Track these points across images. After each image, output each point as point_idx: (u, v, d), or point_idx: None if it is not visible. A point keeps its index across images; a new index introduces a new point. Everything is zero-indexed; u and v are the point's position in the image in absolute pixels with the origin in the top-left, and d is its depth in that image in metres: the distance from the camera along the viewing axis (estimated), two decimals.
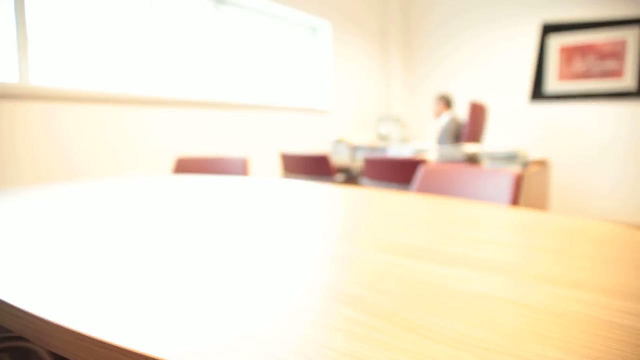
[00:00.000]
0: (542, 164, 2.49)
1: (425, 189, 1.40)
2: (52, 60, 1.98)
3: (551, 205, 3.81)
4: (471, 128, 3.11)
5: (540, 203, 2.44)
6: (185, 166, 2.03)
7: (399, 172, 2.08)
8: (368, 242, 0.63)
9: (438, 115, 3.40)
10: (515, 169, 2.12)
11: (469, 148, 2.26)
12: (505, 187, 1.21)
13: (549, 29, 3.69)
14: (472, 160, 2.26)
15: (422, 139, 4.46)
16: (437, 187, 1.38)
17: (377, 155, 2.24)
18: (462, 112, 4.18)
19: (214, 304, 0.41)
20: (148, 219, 0.80)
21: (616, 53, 3.45)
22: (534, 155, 3.88)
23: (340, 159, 2.89)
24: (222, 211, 0.87)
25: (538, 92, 3.78)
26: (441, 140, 3.25)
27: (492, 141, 4.05)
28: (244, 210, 0.88)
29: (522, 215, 0.84)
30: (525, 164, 2.17)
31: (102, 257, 0.56)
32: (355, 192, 1.16)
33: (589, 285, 0.46)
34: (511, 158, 2.09)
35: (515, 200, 1.20)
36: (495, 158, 2.14)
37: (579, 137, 3.64)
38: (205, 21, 2.67)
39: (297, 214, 0.84)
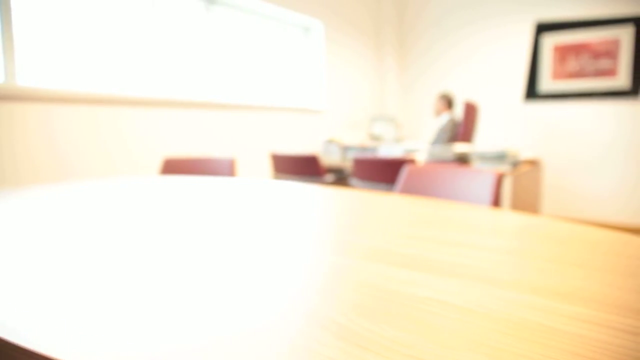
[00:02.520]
0: (533, 163, 2.48)
1: (409, 190, 1.39)
2: (43, 61, 1.96)
3: (544, 206, 3.80)
4: (465, 128, 3.10)
5: (531, 203, 2.43)
6: (172, 166, 2.02)
7: (388, 172, 2.07)
8: (327, 244, 0.62)
9: (438, 114, 3.37)
10: (503, 169, 2.11)
11: (459, 148, 2.25)
12: (485, 187, 1.20)
13: (543, 28, 3.68)
14: (462, 160, 2.25)
15: (416, 139, 4.45)
16: (420, 187, 1.37)
17: (367, 155, 2.23)
18: (458, 112, 4.17)
19: (179, 320, 0.40)
20: (127, 223, 0.79)
21: (610, 52, 3.44)
22: (526, 154, 3.87)
23: (331, 159, 2.88)
24: (200, 215, 0.86)
25: (532, 91, 3.77)
26: (437, 140, 3.23)
27: (487, 141, 4.04)
28: (219, 214, 0.87)
29: (496, 216, 0.83)
30: (515, 164, 2.16)
31: (85, 261, 0.55)
32: (336, 193, 1.15)
33: (549, 291, 0.45)
34: (500, 158, 2.08)
35: (496, 201, 1.19)
36: (484, 158, 2.13)
37: (573, 137, 3.63)
38: (196, 22, 2.66)
39: (269, 216, 0.83)
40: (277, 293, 0.44)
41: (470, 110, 3.12)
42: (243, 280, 0.48)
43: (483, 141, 4.07)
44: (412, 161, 2.00)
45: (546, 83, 3.70)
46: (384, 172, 2.08)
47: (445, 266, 0.52)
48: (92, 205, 0.94)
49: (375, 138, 3.49)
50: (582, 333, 0.35)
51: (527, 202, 2.33)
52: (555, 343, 0.34)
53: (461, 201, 1.26)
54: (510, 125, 3.91)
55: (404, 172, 1.42)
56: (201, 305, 0.41)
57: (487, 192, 1.19)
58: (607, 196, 3.52)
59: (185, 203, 0.98)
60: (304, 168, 2.36)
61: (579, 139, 3.61)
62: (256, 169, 2.98)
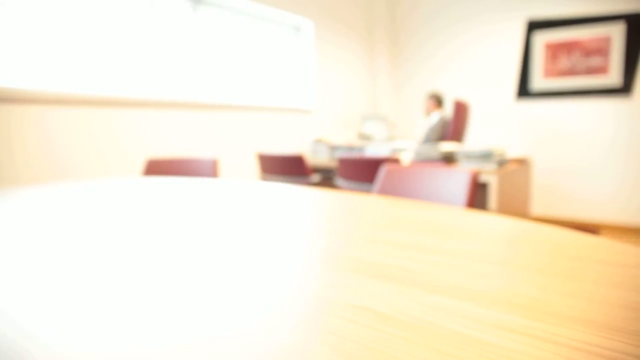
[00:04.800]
0: (522, 162, 2.46)
1: (386, 190, 1.38)
2: (34, 63, 1.95)
3: (534, 206, 3.78)
4: (454, 126, 3.08)
5: (520, 203, 2.41)
6: (154, 167, 2.01)
7: (372, 172, 2.05)
8: (284, 248, 0.61)
9: (428, 113, 3.36)
10: (489, 168, 2.09)
11: (445, 147, 2.23)
12: (460, 187, 1.19)
13: (534, 26, 3.67)
14: (448, 159, 2.24)
15: (409, 138, 4.44)
16: (397, 187, 1.36)
17: (354, 154, 2.21)
18: (448, 110, 4.15)
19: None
20: (108, 225, 0.77)
21: (601, 49, 3.42)
22: (516, 153, 3.85)
23: (319, 158, 2.87)
24: (176, 218, 0.85)
25: (524, 90, 3.76)
26: (427, 139, 3.22)
27: (479, 139, 4.03)
28: (194, 217, 0.85)
29: (459, 217, 0.82)
30: (501, 163, 2.14)
31: (70, 262, 0.54)
32: (313, 194, 1.13)
33: (484, 296, 0.43)
34: (486, 157, 2.07)
35: (471, 201, 1.17)
36: (470, 157, 2.11)
37: (565, 135, 3.61)
38: (183, 22, 2.64)
39: (236, 220, 0.81)
40: (235, 305, 0.42)
41: (461, 109, 3.11)
42: (211, 285, 0.46)
43: (475, 140, 4.05)
44: (395, 160, 1.98)
45: (538, 81, 3.69)
46: (368, 172, 2.06)
47: (383, 269, 0.51)
48: (79, 207, 0.93)
49: (366, 137, 3.47)
50: (502, 343, 0.34)
51: (514, 202, 2.31)
52: (462, 353, 0.32)
53: (437, 201, 1.24)
54: (502, 124, 3.90)
55: (382, 172, 1.41)
56: (176, 308, 0.40)
57: (462, 192, 1.18)
58: (599, 195, 3.50)
59: (163, 206, 0.96)
60: (290, 168, 2.34)
61: (571, 137, 3.59)
62: (245, 170, 2.97)
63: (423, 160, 2.26)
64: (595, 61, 3.45)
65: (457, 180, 1.20)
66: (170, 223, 0.78)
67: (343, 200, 1.02)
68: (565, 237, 0.65)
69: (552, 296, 0.42)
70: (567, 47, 3.55)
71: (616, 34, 3.35)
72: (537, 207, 3.80)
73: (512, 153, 3.89)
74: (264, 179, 2.47)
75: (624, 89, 3.34)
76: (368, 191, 2.08)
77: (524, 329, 0.36)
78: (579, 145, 3.56)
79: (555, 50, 3.60)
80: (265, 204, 0.98)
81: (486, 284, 0.46)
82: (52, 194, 1.16)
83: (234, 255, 0.58)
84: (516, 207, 2.37)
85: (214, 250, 0.60)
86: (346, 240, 0.65)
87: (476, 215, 0.83)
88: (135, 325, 0.37)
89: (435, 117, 3.22)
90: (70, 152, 2.08)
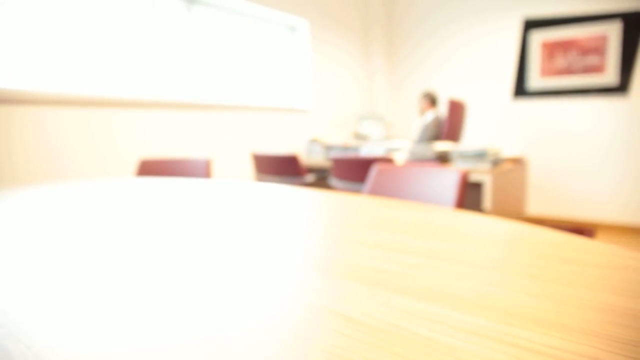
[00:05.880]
0: (517, 161, 2.45)
1: (376, 190, 1.37)
2: (29, 64, 1.94)
3: (531, 205, 3.78)
4: (449, 126, 3.08)
5: (514, 202, 2.40)
6: (147, 168, 2.00)
7: (366, 172, 2.05)
8: (266, 249, 0.60)
9: (422, 112, 3.36)
10: (483, 167, 2.08)
11: (439, 146, 2.22)
12: (450, 186, 1.18)
13: (531, 24, 3.66)
14: (442, 158, 2.23)
15: (405, 137, 4.43)
16: (387, 187, 1.35)
17: (349, 154, 2.21)
18: (443, 110, 4.14)
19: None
20: (95, 228, 0.76)
21: (598, 48, 3.41)
22: (513, 152, 3.84)
23: (314, 158, 2.86)
24: (163, 223, 0.84)
25: (521, 89, 3.75)
26: (421, 139, 3.21)
27: (476, 139, 4.02)
28: (182, 219, 0.85)
29: (447, 217, 0.81)
30: (496, 162, 2.13)
31: (62, 263, 0.53)
32: (303, 195, 1.13)
33: (456, 299, 0.42)
34: (480, 156, 2.06)
35: (460, 201, 1.16)
36: (464, 156, 2.11)
37: (562, 134, 3.60)
38: (177, 22, 2.63)
39: (221, 223, 0.81)
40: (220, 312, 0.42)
41: (456, 108, 3.10)
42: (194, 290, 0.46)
43: (472, 139, 4.04)
44: (389, 160, 1.97)
45: (535, 80, 3.68)
46: (362, 172, 2.06)
47: (357, 270, 0.50)
48: (74, 208, 0.92)
49: (361, 137, 3.46)
50: (467, 348, 0.33)
51: (509, 202, 2.30)
52: (423, 357, 0.31)
53: (426, 201, 1.24)
54: (499, 123, 3.89)
55: (373, 172, 1.40)
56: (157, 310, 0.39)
57: (451, 191, 1.17)
58: (596, 195, 3.50)
59: (153, 207, 0.96)
60: (285, 168, 2.34)
61: (568, 136, 3.58)
62: (241, 169, 2.96)
63: (417, 160, 2.25)
64: (592, 60, 3.44)
65: (447, 180, 1.20)
66: (159, 226, 0.77)
67: (330, 201, 1.02)
68: (546, 238, 0.64)
69: (526, 299, 0.42)
70: (564, 46, 3.54)
71: (613, 32, 3.34)
72: (534, 206, 3.79)
73: (509, 152, 3.88)
74: (259, 179, 2.46)
75: (621, 87, 3.33)
76: (362, 191, 2.07)
77: (493, 333, 0.35)
78: (575, 144, 3.56)
79: (551, 49, 3.59)
80: (248, 204, 0.97)
81: (460, 285, 0.45)
82: (49, 194, 1.15)
83: (216, 257, 0.57)
84: (511, 206, 2.36)
85: (196, 251, 0.60)
86: (323, 241, 0.64)
87: (462, 215, 0.82)
88: (122, 326, 0.37)
89: (430, 116, 3.21)
90: (68, 153, 2.09)
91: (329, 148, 2.79)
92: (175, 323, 0.38)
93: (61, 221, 0.81)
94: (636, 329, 0.35)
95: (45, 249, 0.62)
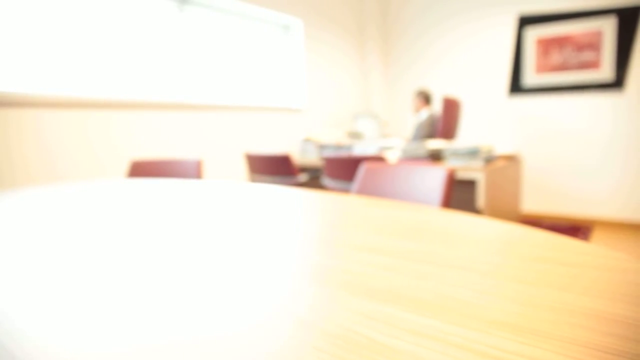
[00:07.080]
0: (511, 158, 2.45)
1: (365, 189, 1.36)
2: (17, 65, 1.94)
3: (527, 202, 3.77)
4: (444, 123, 3.07)
5: (509, 199, 2.40)
6: (139, 169, 2.00)
7: (357, 171, 2.04)
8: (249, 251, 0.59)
9: (417, 110, 3.35)
10: (475, 165, 2.08)
11: (432, 144, 2.22)
12: (436, 185, 1.17)
13: (526, 21, 3.64)
14: (435, 156, 2.22)
15: (401, 136, 4.42)
16: (374, 186, 1.34)
17: (342, 153, 2.20)
18: (438, 107, 4.13)
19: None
20: (88, 229, 0.76)
21: (592, 44, 3.40)
22: (508, 149, 3.83)
23: (308, 158, 2.85)
24: (152, 225, 0.83)
25: (516, 86, 3.74)
26: (416, 137, 3.20)
27: (471, 136, 4.01)
28: (171, 225, 0.84)
29: (427, 216, 0.81)
30: (489, 159, 2.13)
31: (57, 264, 0.52)
32: (292, 195, 1.12)
33: (413, 300, 0.42)
34: (473, 154, 2.05)
35: (446, 199, 1.16)
36: (457, 154, 2.10)
37: (557, 130, 3.59)
38: (169, 23, 2.63)
39: (208, 221, 0.80)
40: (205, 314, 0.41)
41: (450, 106, 3.09)
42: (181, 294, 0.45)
43: (468, 137, 4.03)
44: (380, 159, 1.97)
45: (530, 77, 3.67)
46: (354, 171, 2.05)
47: (323, 272, 0.50)
48: (68, 209, 0.92)
49: (357, 136, 3.46)
50: (415, 351, 0.32)
51: (504, 199, 2.29)
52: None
53: (413, 200, 1.23)
54: (495, 120, 3.88)
55: (361, 171, 1.39)
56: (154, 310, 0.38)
57: (437, 190, 1.16)
58: (593, 191, 3.49)
59: (141, 209, 0.95)
60: (278, 168, 2.33)
61: (564, 133, 3.57)
62: (235, 170, 2.96)
63: (410, 159, 2.24)
64: (587, 56, 3.43)
65: (433, 178, 1.19)
66: (146, 229, 0.77)
67: (316, 201, 1.01)
68: (522, 236, 0.63)
69: (487, 299, 0.41)
70: (559, 42, 3.52)
71: (608, 28, 3.33)
72: (531, 204, 3.78)
73: (504, 149, 3.87)
74: (252, 179, 2.46)
75: (616, 83, 3.32)
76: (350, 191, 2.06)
77: (444, 335, 0.34)
78: (572, 140, 3.55)
79: (547, 45, 3.57)
80: (233, 205, 0.97)
81: (423, 286, 0.45)
82: (48, 195, 1.15)
83: (201, 259, 0.56)
84: (506, 203, 2.35)
85: (183, 254, 0.59)
86: (296, 242, 0.63)
87: (443, 215, 0.82)
88: (114, 326, 0.36)
89: (424, 114, 3.20)
90: (65, 154, 2.10)
91: (322, 147, 2.78)
92: (156, 327, 0.37)
93: (60, 221, 0.80)
94: (626, 338, 0.34)
95: (44, 249, 0.62)
